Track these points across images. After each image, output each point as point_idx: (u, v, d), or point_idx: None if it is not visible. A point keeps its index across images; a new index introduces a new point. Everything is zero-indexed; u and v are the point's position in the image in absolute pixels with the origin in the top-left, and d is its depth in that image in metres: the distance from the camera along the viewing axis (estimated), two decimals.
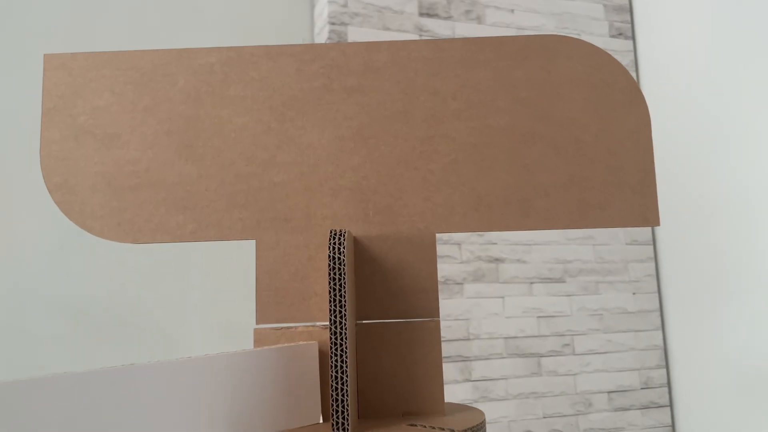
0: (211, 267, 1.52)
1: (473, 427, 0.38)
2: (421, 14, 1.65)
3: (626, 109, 0.43)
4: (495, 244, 1.61)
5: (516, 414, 1.54)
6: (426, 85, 0.45)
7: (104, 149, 0.44)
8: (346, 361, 0.36)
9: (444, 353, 1.51)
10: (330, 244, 0.38)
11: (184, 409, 0.35)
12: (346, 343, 0.36)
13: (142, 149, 0.44)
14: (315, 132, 0.45)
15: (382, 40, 1.54)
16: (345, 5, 1.59)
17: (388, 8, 1.61)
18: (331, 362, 0.37)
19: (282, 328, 0.42)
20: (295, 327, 0.43)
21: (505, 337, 1.57)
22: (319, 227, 0.43)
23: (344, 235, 0.38)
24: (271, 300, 0.43)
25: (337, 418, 0.35)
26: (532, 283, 1.62)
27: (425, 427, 0.38)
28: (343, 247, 0.38)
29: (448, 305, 1.52)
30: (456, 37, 1.66)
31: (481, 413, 0.41)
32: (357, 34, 1.58)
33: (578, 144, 0.43)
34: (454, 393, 1.50)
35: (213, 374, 0.37)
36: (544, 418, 1.57)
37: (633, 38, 1.86)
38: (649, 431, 1.65)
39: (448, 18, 1.67)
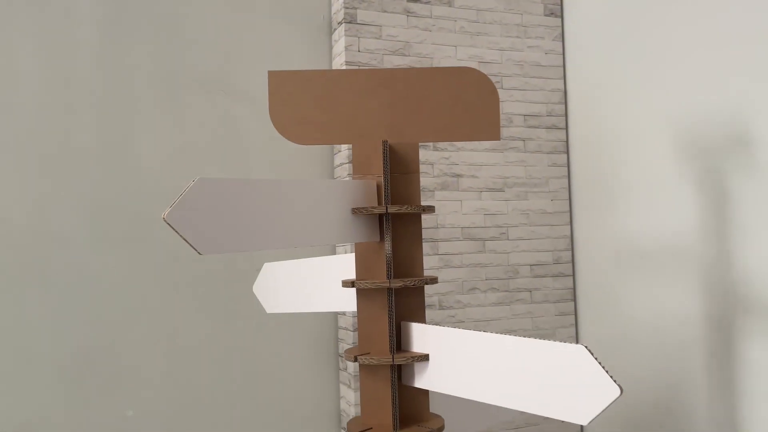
0: None
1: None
2: (409, 0, 2.31)
3: (489, 95, 1.15)
4: (457, 164, 2.34)
5: (467, 276, 2.31)
6: (405, 87, 1.16)
7: (297, 110, 1.15)
8: (389, 187, 1.10)
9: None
10: (383, 145, 1.11)
11: (320, 212, 1.08)
12: (390, 182, 1.10)
13: (309, 110, 1.16)
14: (368, 104, 1.16)
15: (383, 19, 2.20)
16: None
17: None
18: (383, 186, 1.10)
19: (358, 177, 1.15)
20: (367, 176, 1.15)
21: (461, 227, 2.32)
22: (376, 140, 1.15)
23: (387, 142, 1.11)
24: (354, 169, 1.15)
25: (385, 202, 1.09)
26: (481, 191, 2.36)
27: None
28: (387, 146, 1.11)
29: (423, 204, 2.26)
30: (433, 16, 2.33)
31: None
32: (363, 14, 2.25)
33: (467, 109, 1.15)
34: (427, 262, 2.25)
35: (330, 192, 1.09)
36: (486, 280, 2.34)
37: (561, 16, 2.54)
38: (557, 291, 2.44)
39: (428, 3, 2.33)
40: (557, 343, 0.88)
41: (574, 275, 2.51)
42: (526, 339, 0.90)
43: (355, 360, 1.10)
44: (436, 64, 2.34)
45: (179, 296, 2.12)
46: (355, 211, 1.09)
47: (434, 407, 1.17)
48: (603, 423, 2.37)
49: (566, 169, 2.52)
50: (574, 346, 0.86)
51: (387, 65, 2.27)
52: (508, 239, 2.41)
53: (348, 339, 2.20)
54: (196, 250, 0.88)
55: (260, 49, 2.28)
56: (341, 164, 2.28)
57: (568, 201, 2.51)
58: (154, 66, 2.14)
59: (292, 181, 1.01)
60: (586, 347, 0.86)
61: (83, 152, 2.05)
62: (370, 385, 1.11)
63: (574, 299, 2.50)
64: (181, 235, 0.86)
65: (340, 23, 2.28)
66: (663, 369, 2.12)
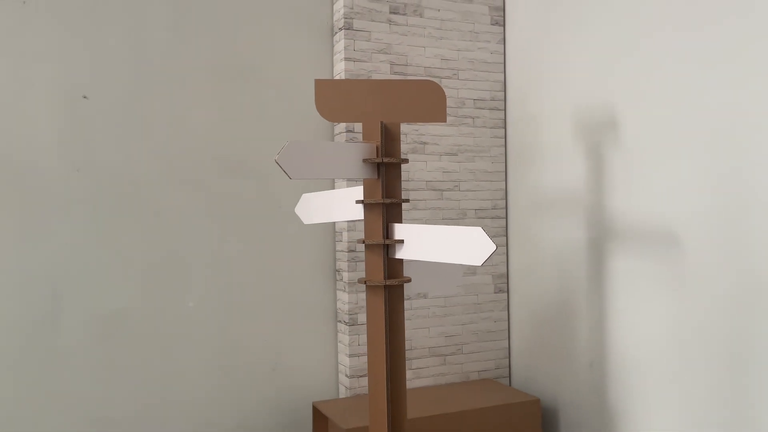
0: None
1: None
2: (391, 12, 3.15)
3: (439, 95, 2.03)
4: (423, 135, 3.22)
5: (429, 216, 3.22)
6: (394, 90, 2.04)
7: (332, 102, 2.03)
8: (384, 147, 1.99)
9: None
10: (381, 124, 2.00)
11: (342, 158, 1.97)
12: (384, 145, 1.99)
13: (339, 101, 2.03)
14: (372, 99, 2.05)
15: (371, 26, 3.04)
16: (352, 7, 3.08)
17: (374, 9, 3.12)
18: (380, 147, 1.99)
19: (366, 141, 2.04)
20: (371, 141, 2.04)
21: (426, 180, 3.22)
22: (377, 121, 2.04)
23: (383, 122, 2.00)
24: (364, 137, 2.04)
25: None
26: (441, 155, 3.26)
27: None
28: (383, 124, 2.00)
29: None
30: (408, 25, 3.18)
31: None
32: (357, 23, 3.09)
33: (427, 103, 2.04)
34: None
35: (353, 149, 1.97)
36: (443, 219, 3.26)
37: (504, 26, 3.42)
38: (494, 229, 3.37)
39: (405, 15, 3.18)
40: (465, 227, 1.78)
41: (506, 217, 3.44)
42: (448, 226, 1.81)
43: (364, 242, 1.99)
44: (410, 61, 3.21)
45: (225, 223, 2.98)
46: (365, 161, 1.97)
47: (406, 272, 2.08)
48: (522, 321, 3.34)
49: (503, 140, 3.43)
50: (475, 228, 1.76)
51: (374, 61, 3.13)
52: (459, 190, 3.32)
53: (343, 258, 3.10)
54: (288, 176, 1.75)
55: (282, 46, 3.11)
56: (339, 133, 3.15)
57: (504, 163, 3.43)
58: (205, 58, 2.96)
59: (335, 143, 1.89)
60: (482, 228, 1.76)
61: (157, 120, 2.88)
62: (371, 258, 2.01)
63: (506, 235, 3.43)
64: (282, 169, 1.73)
65: (340, 29, 3.12)
66: (561, 279, 3.08)
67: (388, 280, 1.99)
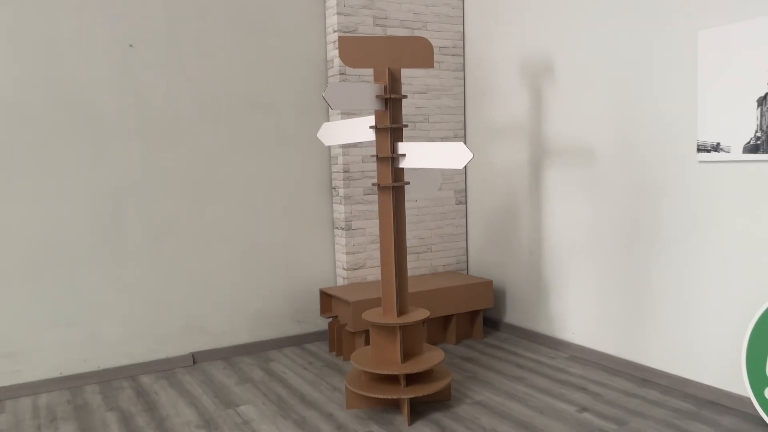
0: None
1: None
2: None
3: (428, 48, 2.80)
4: (413, 78, 3.97)
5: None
6: (396, 44, 2.80)
7: (351, 52, 2.77)
8: (389, 86, 2.77)
9: None
10: (388, 69, 2.77)
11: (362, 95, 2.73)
12: (389, 85, 2.76)
13: (356, 52, 2.77)
14: (381, 50, 2.79)
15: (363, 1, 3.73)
16: None
17: None
18: (388, 86, 2.76)
19: (376, 83, 2.80)
20: (380, 82, 2.81)
21: (403, 114, 3.99)
22: (384, 66, 2.79)
23: (389, 68, 2.77)
24: (374, 78, 2.80)
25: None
26: (414, 93, 4.04)
27: None
28: (389, 69, 2.77)
29: None
30: None
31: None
32: None
33: (420, 53, 2.81)
34: None
35: (368, 88, 2.73)
36: None
37: None
38: None
39: None
40: (450, 143, 2.59)
41: (465, 144, 4.27)
42: (440, 142, 2.61)
43: (377, 156, 2.77)
44: (388, 15, 3.92)
45: (245, 149, 3.70)
46: (377, 96, 2.74)
47: (407, 178, 2.89)
48: (477, 226, 4.24)
49: (462, 80, 4.22)
50: (458, 143, 2.57)
51: (360, 15, 3.83)
52: (428, 122, 4.12)
53: (339, 178, 3.88)
54: (331, 107, 2.50)
55: (284, 2, 3.76)
56: (333, 75, 3.86)
57: (463, 100, 4.24)
58: (224, 13, 3.60)
59: (360, 83, 2.64)
60: (463, 143, 2.57)
61: (190, 64, 3.53)
62: (381, 168, 2.81)
63: None
64: (327, 102, 2.47)
65: None
66: (508, 191, 3.97)
67: (394, 183, 2.80)
